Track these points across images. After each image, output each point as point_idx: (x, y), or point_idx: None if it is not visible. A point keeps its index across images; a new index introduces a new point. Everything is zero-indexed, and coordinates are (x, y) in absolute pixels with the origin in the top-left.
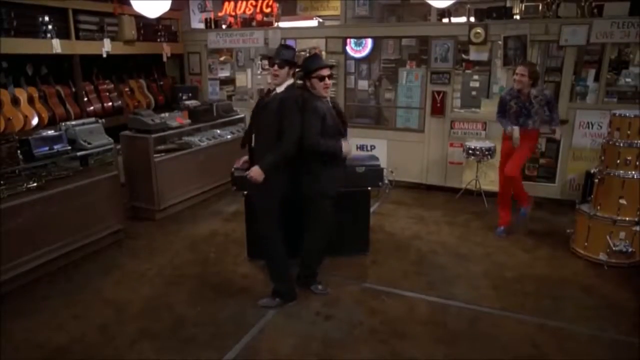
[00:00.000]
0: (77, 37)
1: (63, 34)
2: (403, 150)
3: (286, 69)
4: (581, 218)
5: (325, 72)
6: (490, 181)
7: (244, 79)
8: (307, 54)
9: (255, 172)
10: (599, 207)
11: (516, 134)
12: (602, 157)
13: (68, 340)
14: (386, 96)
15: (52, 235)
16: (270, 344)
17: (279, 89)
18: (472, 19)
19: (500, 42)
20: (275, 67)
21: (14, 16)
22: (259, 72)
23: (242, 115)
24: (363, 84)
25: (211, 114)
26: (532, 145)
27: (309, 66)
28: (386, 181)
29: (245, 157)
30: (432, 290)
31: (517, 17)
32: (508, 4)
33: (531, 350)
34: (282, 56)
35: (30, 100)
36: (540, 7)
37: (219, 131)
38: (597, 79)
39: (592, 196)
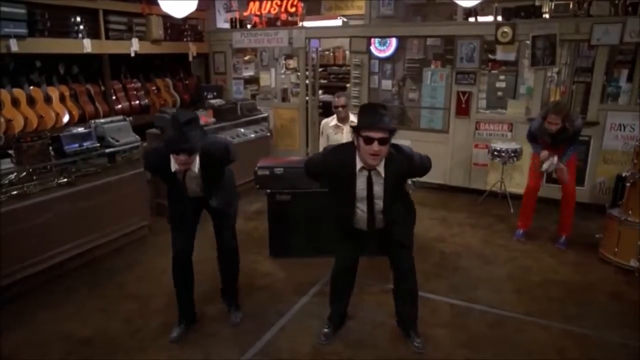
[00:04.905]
0: (107, 37)
1: (93, 34)
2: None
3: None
4: (611, 223)
5: (376, 134)
6: (515, 184)
7: (267, 79)
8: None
9: None
10: (630, 212)
11: (551, 164)
12: (635, 161)
13: (93, 332)
14: (410, 96)
15: (80, 230)
16: (290, 343)
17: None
18: (500, 18)
19: (528, 42)
20: (183, 156)
21: (48, 17)
22: (282, 71)
23: (266, 115)
24: (387, 84)
25: (235, 112)
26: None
27: (359, 119)
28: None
29: None
30: (455, 292)
31: (547, 16)
32: (537, 3)
33: (555, 357)
34: (193, 145)
35: (62, 99)
36: (570, 6)
37: (242, 130)
38: (630, 79)
39: (623, 200)
